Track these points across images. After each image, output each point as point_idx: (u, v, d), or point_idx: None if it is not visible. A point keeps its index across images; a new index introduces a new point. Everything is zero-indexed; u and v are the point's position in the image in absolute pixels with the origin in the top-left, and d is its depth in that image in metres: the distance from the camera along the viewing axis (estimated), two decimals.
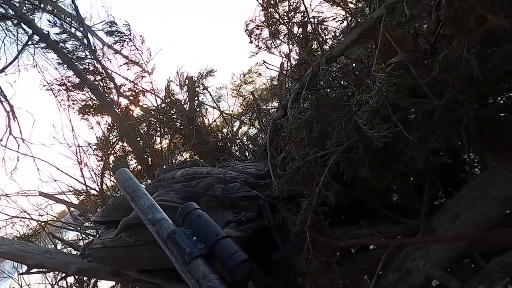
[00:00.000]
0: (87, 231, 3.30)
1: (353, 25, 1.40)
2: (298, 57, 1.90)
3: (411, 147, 1.03)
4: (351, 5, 1.68)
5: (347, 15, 1.48)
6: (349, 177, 1.19)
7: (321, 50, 1.35)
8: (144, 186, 2.59)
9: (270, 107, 2.75)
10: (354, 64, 1.43)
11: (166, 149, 2.77)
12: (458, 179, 1.38)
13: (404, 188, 1.48)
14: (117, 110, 2.79)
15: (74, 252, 2.55)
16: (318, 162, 1.21)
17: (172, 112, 2.60)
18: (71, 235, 3.77)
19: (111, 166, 2.77)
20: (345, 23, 1.76)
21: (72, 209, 3.59)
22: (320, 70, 1.31)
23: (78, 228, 3.36)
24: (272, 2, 2.01)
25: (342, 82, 1.47)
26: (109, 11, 3.17)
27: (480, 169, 1.17)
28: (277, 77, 2.23)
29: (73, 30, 2.73)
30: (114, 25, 2.81)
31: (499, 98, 1.15)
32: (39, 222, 3.41)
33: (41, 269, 1.64)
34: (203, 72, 2.67)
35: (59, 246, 3.19)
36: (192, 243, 0.71)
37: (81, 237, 3.38)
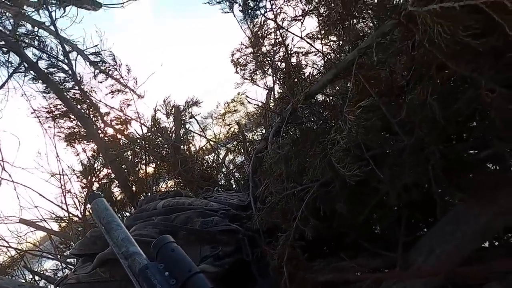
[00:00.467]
0: (67, 260, 3.20)
1: (331, 62, 1.46)
2: (281, 90, 1.97)
3: (383, 184, 1.06)
4: (332, 42, 1.77)
5: (325, 53, 1.55)
6: (327, 212, 1.22)
7: (301, 87, 1.40)
8: (127, 216, 2.54)
9: (256, 138, 2.80)
10: (332, 99, 1.49)
11: (150, 177, 2.76)
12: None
13: (384, 220, 1.50)
14: (103, 138, 2.80)
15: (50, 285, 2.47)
16: (296, 196, 1.23)
17: (158, 140, 2.62)
18: (50, 264, 3.64)
19: (88, 196, 2.73)
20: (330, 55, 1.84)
21: (53, 236, 3.49)
22: (299, 107, 1.36)
23: (59, 257, 3.25)
24: (259, 34, 2.08)
25: (321, 116, 1.52)
26: (102, 36, 3.23)
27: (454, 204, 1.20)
28: (262, 107, 2.29)
29: (59, 59, 2.78)
30: (99, 55, 2.87)
31: (469, 137, 1.20)
32: (18, 251, 3.30)
33: None
34: (189, 101, 2.73)
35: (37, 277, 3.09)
36: (163, 279, 0.70)
37: (61, 267, 3.28)
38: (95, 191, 2.76)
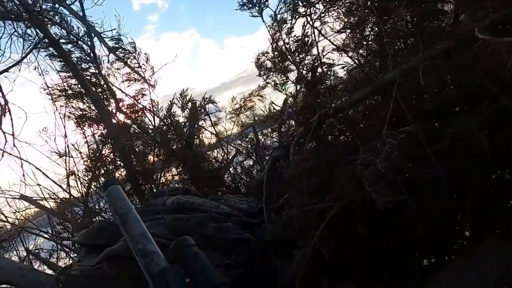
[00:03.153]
0: (63, 243, 3.17)
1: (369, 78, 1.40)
2: (305, 98, 1.91)
3: (412, 214, 1.01)
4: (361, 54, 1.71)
5: (356, 65, 1.50)
6: (346, 232, 1.17)
7: (330, 99, 1.35)
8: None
9: (269, 142, 2.75)
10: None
11: (159, 169, 2.71)
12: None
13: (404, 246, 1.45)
14: (115, 124, 2.75)
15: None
16: (316, 212, 1.18)
17: (170, 135, 2.58)
18: (41, 241, 3.58)
19: (103, 182, 2.65)
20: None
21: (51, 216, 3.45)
22: (327, 120, 1.31)
23: (55, 238, 3.21)
24: (286, 41, 2.02)
25: (348, 131, 1.47)
26: (121, 20, 3.10)
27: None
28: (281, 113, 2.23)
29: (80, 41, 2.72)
30: (120, 41, 2.81)
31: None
32: (15, 227, 3.26)
33: (12, 286, 1.54)
34: (206, 98, 2.68)
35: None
36: (184, 286, 0.67)
37: (57, 248, 3.24)
38: (110, 178, 2.68)
